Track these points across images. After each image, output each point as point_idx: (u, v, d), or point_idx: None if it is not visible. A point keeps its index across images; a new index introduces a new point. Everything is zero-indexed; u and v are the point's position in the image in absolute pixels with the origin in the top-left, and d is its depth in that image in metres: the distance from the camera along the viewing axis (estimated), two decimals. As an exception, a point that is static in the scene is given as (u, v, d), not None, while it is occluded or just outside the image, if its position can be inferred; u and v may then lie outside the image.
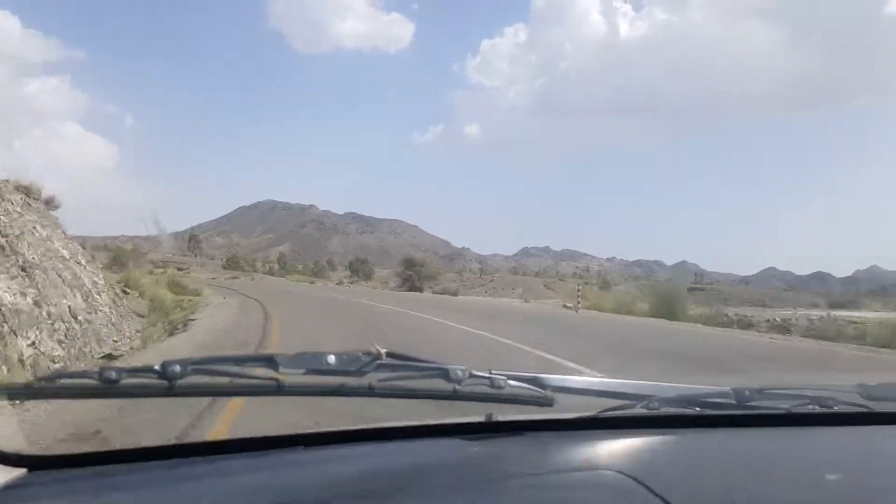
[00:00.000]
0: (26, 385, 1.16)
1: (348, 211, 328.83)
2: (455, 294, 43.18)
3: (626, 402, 1.37)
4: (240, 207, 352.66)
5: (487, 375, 1.23)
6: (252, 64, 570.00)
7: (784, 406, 1.42)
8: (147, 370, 1.07)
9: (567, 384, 1.40)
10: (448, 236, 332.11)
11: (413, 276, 51.02)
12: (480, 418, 1.34)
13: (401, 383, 1.19)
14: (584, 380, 1.57)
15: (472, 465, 1.21)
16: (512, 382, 1.25)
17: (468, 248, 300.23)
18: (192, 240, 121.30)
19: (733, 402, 1.40)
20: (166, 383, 1.05)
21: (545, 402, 1.28)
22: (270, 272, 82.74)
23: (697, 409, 1.39)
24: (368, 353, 1.17)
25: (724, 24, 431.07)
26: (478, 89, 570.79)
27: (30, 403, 4.09)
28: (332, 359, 1.15)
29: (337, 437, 1.29)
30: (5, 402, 1.91)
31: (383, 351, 1.18)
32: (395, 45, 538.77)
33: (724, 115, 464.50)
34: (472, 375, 1.21)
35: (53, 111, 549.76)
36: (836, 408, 1.43)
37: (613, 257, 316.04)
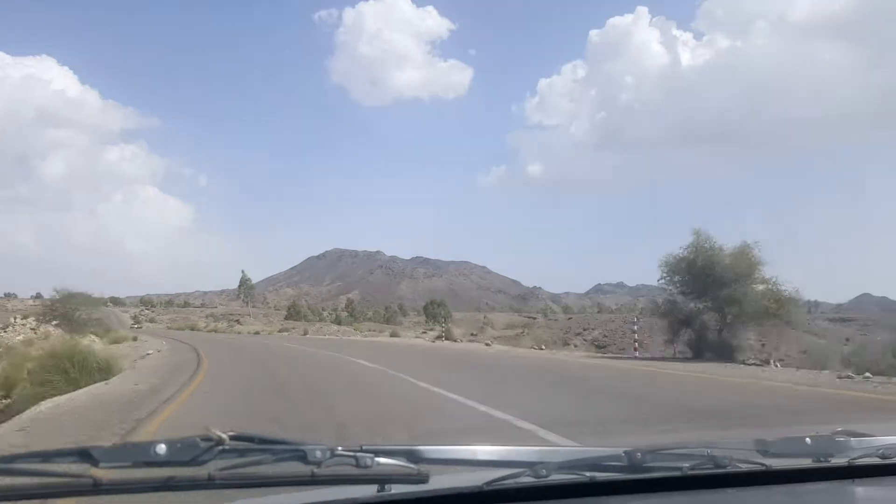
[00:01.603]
0: None
1: (415, 255, 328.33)
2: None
3: (513, 470, 1.26)
4: (308, 258, 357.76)
5: (352, 454, 1.10)
6: (316, 119, 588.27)
7: (679, 467, 1.34)
8: None
9: (446, 455, 1.28)
10: (517, 276, 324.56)
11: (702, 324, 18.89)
12: (362, 493, 1.20)
13: (248, 470, 1.04)
14: (464, 449, 1.36)
15: None
16: (380, 460, 1.13)
17: (540, 287, 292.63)
18: (241, 286, 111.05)
19: (625, 464, 1.31)
20: None
21: (418, 479, 1.15)
22: (337, 321, 77.31)
23: (588, 474, 1.29)
24: (207, 439, 1.02)
25: (792, 46, 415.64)
26: (538, 128, 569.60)
27: None
28: (162, 448, 1.00)
29: None
30: None
31: (226, 434, 1.04)
32: (454, 91, 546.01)
33: (802, 139, 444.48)
34: (334, 455, 1.09)
35: (132, 176, 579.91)
36: (731, 467, 1.36)
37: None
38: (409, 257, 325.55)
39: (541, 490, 1.26)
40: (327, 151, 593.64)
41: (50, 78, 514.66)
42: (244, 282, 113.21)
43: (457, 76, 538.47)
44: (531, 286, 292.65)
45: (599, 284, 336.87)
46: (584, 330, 36.32)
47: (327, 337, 41.62)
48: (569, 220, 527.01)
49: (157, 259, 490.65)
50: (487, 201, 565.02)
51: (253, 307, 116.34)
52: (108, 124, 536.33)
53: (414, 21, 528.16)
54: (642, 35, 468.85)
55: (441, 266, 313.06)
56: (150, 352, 21.48)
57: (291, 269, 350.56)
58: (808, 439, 1.46)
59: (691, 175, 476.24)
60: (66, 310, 27.83)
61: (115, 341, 26.25)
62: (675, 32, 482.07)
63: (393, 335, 41.25)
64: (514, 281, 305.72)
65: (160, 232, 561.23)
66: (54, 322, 27.60)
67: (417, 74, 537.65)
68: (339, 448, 1.09)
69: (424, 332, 43.57)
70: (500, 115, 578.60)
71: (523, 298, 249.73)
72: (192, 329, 73.59)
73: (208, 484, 1.00)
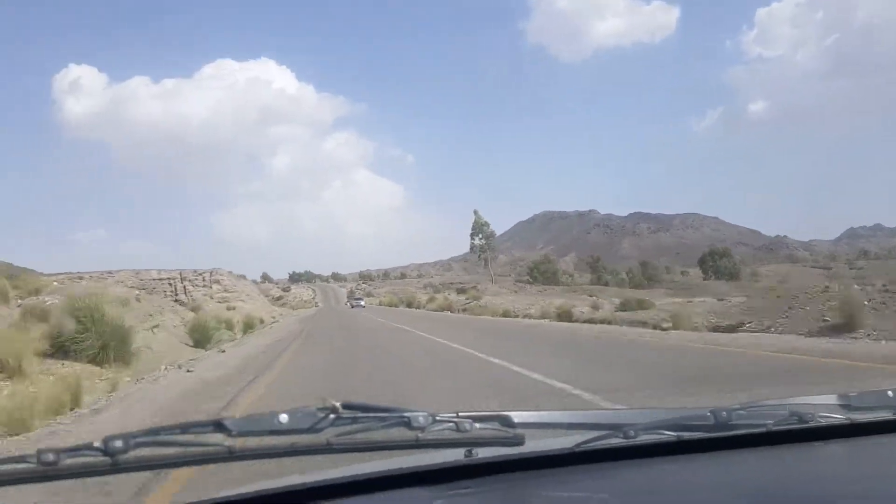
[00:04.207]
0: None
1: (633, 211, 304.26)
2: None
3: (602, 432, 1.32)
4: (517, 223, 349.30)
5: (452, 420, 1.19)
6: (515, 84, 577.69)
7: (764, 424, 1.38)
8: (88, 448, 1.00)
9: (538, 420, 1.37)
10: (756, 225, 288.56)
11: None
12: (456, 457, 1.28)
13: (360, 436, 1.14)
14: (556, 414, 1.44)
15: None
16: (478, 425, 1.20)
17: (785, 236, 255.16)
18: (475, 233, 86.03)
19: (712, 423, 1.35)
20: (109, 460, 0.99)
21: (514, 442, 1.23)
22: (604, 282, 62.79)
23: (675, 434, 1.34)
24: (324, 409, 1.11)
25: None
26: (758, 62, 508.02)
27: None
28: (284, 418, 1.09)
29: (291, 497, 1.24)
30: None
31: (338, 404, 1.13)
32: (660, 34, 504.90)
33: None
34: (436, 421, 1.17)
35: (348, 161, 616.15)
36: (815, 422, 1.39)
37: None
38: (625, 214, 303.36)
39: (630, 450, 1.30)
40: (529, 114, 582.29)
41: (271, 78, 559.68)
42: (479, 227, 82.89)
43: (662, 17, 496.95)
44: (773, 235, 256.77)
45: (852, 228, 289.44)
46: None
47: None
48: (804, 160, 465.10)
49: (373, 236, 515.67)
50: (706, 147, 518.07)
51: (489, 268, 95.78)
52: (323, 116, 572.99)
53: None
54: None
55: (665, 220, 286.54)
56: None
57: (501, 235, 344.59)
58: (889, 392, 1.46)
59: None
60: None
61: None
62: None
63: None
64: (753, 231, 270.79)
65: (375, 211, 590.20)
66: None
67: (619, 22, 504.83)
68: (440, 414, 1.17)
69: None
70: (713, 54, 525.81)
71: (769, 249, 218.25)
72: (409, 305, 57.05)
73: (326, 449, 1.09)
